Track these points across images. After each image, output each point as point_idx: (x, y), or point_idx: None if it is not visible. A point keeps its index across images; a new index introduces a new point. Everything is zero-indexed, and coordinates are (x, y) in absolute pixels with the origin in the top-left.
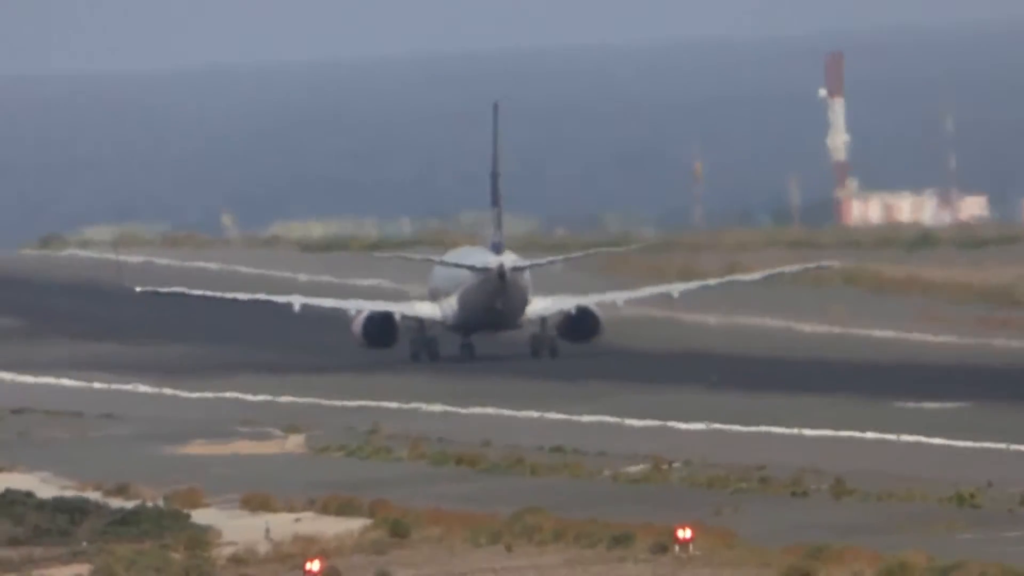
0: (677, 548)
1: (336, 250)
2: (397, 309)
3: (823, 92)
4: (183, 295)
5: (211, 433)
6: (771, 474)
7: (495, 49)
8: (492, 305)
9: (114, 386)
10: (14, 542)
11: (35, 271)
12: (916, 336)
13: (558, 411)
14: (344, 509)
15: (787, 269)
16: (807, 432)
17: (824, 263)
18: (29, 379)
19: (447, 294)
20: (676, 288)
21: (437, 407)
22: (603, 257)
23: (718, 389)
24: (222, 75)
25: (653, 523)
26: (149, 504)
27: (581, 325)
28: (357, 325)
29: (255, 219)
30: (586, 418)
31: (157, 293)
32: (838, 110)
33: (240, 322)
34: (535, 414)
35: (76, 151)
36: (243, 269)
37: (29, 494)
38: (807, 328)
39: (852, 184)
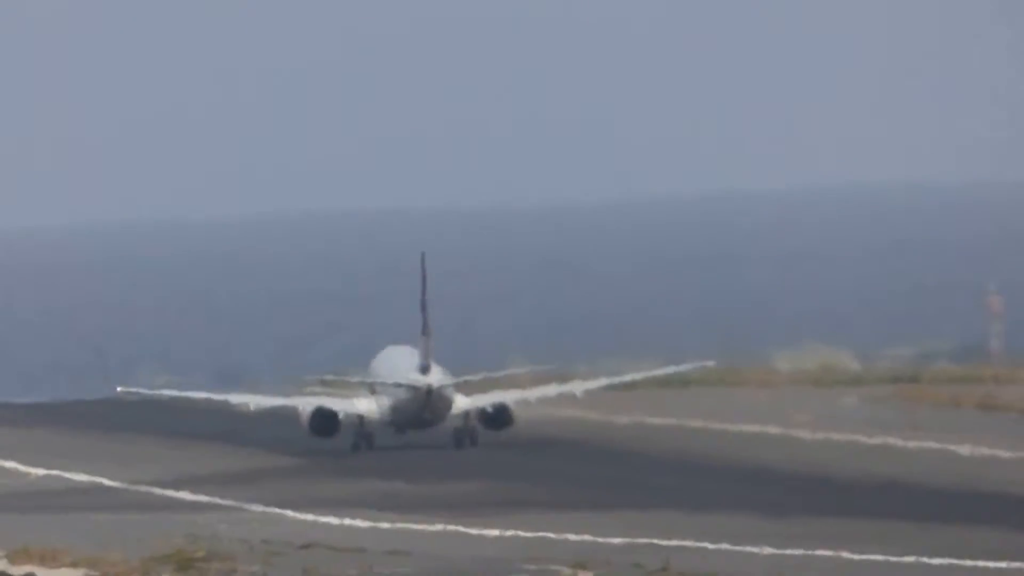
0: None
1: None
2: (341, 407)
3: None
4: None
5: (496, 571)
6: None
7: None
8: (421, 415)
9: (399, 524)
10: None
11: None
12: None
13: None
14: None
15: (660, 372)
16: None
17: (705, 363)
18: (311, 517)
19: (383, 397)
20: (579, 387)
21: (723, 545)
22: (897, 388)
23: None
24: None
25: None
26: None
27: (498, 418)
28: (304, 418)
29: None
30: (891, 559)
31: (129, 392)
32: None
33: (519, 458)
34: (880, 557)
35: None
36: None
37: None
38: None
39: None
